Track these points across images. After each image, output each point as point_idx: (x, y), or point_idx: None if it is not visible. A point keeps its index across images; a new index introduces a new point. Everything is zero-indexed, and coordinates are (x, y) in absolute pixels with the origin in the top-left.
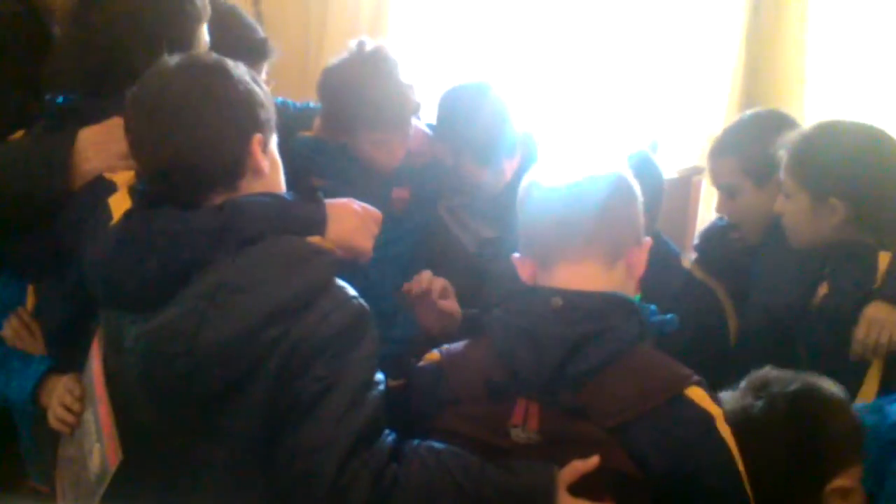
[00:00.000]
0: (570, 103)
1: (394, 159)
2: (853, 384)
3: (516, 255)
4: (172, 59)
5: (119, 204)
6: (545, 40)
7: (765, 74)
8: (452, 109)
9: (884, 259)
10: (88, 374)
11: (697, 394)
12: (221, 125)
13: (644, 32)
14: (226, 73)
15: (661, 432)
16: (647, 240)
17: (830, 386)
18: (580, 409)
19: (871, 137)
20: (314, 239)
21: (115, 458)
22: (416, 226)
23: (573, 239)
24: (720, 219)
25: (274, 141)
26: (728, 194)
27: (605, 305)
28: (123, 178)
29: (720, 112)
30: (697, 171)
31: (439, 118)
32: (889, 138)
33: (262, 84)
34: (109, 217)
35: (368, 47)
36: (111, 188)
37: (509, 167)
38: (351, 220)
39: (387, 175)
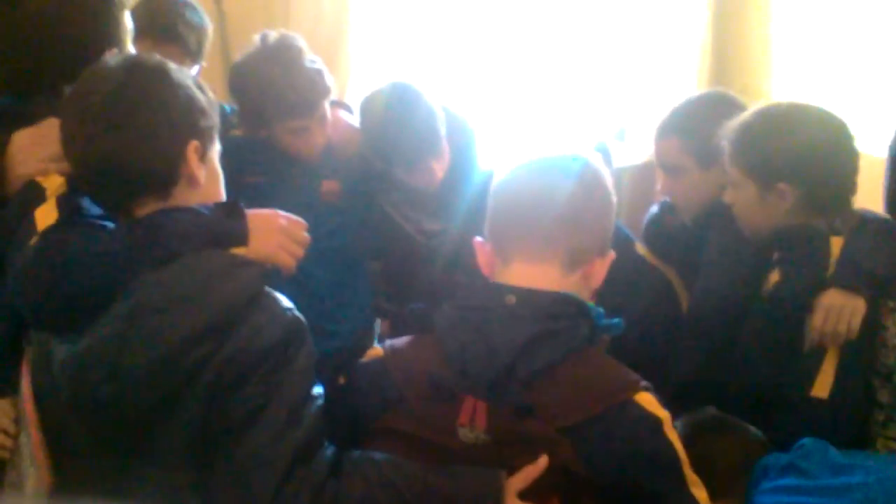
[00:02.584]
0: (536, 91)
1: (314, 147)
2: (807, 374)
3: (478, 238)
4: (113, 59)
5: (44, 217)
6: (510, 29)
7: (732, 60)
8: (379, 120)
9: (836, 244)
10: (22, 395)
11: (646, 399)
12: (155, 128)
13: (609, 20)
14: (165, 77)
15: (611, 435)
16: (611, 254)
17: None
18: (529, 409)
19: (813, 117)
20: (238, 250)
21: (47, 482)
22: (354, 220)
23: (534, 239)
24: (661, 203)
25: (215, 150)
26: (671, 174)
27: (556, 306)
28: (53, 184)
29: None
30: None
31: (363, 127)
32: (829, 116)
33: (207, 91)
34: (34, 231)
35: (271, 38)
36: (41, 196)
37: (439, 167)
38: (275, 235)
39: (313, 166)
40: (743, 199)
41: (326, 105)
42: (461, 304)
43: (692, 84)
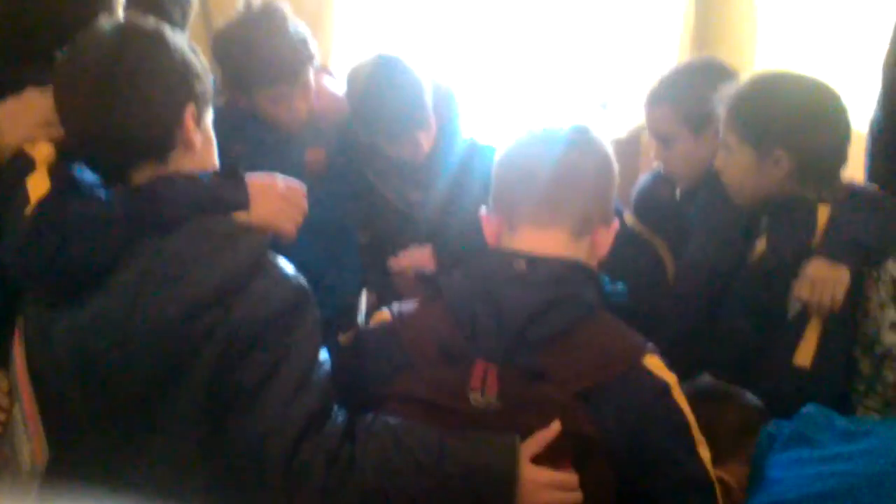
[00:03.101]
0: (519, 61)
1: (296, 115)
2: (790, 343)
3: (483, 210)
4: (108, 23)
5: (37, 185)
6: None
7: (715, 30)
8: (364, 91)
9: (823, 213)
10: (13, 368)
11: (654, 362)
12: (153, 93)
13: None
14: (162, 41)
15: (621, 400)
16: (615, 223)
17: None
18: (540, 373)
19: (809, 86)
20: (240, 215)
21: (40, 456)
22: (340, 190)
23: (540, 204)
24: (654, 173)
25: (209, 116)
26: (664, 143)
27: (567, 272)
28: (42, 153)
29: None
30: (642, 130)
31: (349, 98)
32: (825, 86)
33: (200, 55)
34: (27, 201)
35: (255, 5)
36: (31, 166)
37: (425, 139)
38: (275, 201)
39: (297, 134)
40: (737, 164)
41: (310, 73)
42: (470, 271)
43: (674, 55)
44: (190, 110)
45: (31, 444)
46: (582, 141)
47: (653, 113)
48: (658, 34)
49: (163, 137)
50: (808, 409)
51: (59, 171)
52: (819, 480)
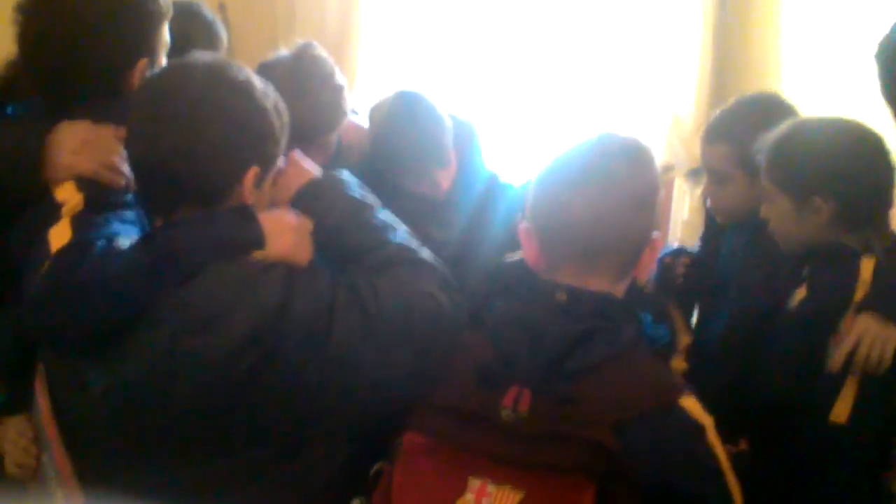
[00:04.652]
0: (540, 94)
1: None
2: (827, 398)
3: (524, 225)
4: (203, 57)
5: (58, 237)
6: (516, 33)
7: (736, 71)
8: (383, 128)
9: (867, 265)
10: (38, 414)
11: (691, 403)
12: (224, 146)
13: (610, 25)
14: (249, 94)
15: (654, 436)
16: (656, 236)
17: None
18: (573, 401)
19: (846, 130)
20: (258, 254)
21: (76, 501)
22: None
23: (582, 256)
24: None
25: (271, 176)
26: (717, 181)
27: (608, 307)
28: (70, 203)
29: (688, 107)
30: (668, 168)
31: (370, 135)
32: (863, 128)
33: (282, 114)
34: (48, 254)
35: (302, 54)
36: (55, 215)
37: (444, 177)
38: (288, 235)
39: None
40: (778, 213)
41: (331, 137)
42: (512, 301)
43: (690, 95)
44: (254, 171)
45: (63, 490)
46: (619, 169)
47: (709, 151)
48: (677, 71)
49: (218, 190)
50: None
51: (82, 224)
52: None
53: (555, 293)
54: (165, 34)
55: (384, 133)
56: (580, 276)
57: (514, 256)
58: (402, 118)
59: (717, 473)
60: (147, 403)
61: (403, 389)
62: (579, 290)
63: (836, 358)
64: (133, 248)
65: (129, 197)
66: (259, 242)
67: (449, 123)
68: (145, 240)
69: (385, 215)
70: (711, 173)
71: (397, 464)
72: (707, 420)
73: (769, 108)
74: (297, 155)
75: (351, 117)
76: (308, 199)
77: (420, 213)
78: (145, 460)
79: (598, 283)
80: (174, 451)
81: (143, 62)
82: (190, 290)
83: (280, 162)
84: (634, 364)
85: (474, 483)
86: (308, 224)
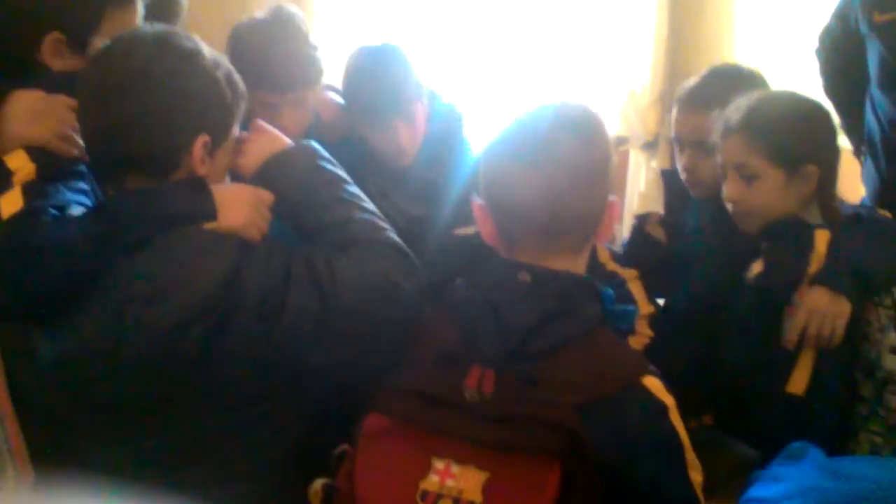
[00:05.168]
0: (494, 72)
1: (283, 130)
2: (784, 370)
3: (479, 202)
4: (151, 28)
5: (10, 205)
6: (470, 6)
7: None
8: (347, 76)
9: (821, 237)
10: None
11: (654, 383)
12: (168, 113)
13: (566, 6)
14: (196, 62)
15: (617, 418)
16: (613, 199)
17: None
18: (536, 382)
19: (808, 101)
20: (208, 226)
21: (26, 477)
22: None
23: (540, 239)
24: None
25: (227, 148)
26: (703, 152)
27: (571, 287)
28: (23, 171)
29: (644, 81)
30: (622, 141)
31: (342, 83)
32: (818, 101)
33: (236, 84)
34: None
35: (277, 12)
36: (7, 183)
37: (406, 132)
38: (242, 209)
39: None
40: (765, 190)
41: (306, 93)
42: (474, 280)
43: (646, 66)
44: (202, 140)
45: (14, 465)
46: (572, 143)
47: (696, 121)
48: (632, 40)
49: (166, 158)
50: (792, 447)
51: (34, 192)
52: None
53: (517, 274)
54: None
55: (348, 80)
56: (541, 254)
57: (467, 230)
58: (366, 65)
59: (679, 451)
60: (96, 374)
61: (360, 371)
62: (543, 271)
63: (789, 334)
64: (84, 217)
65: (82, 167)
66: (210, 214)
67: (414, 80)
68: (96, 209)
69: (354, 191)
70: (694, 144)
71: (360, 446)
72: (669, 400)
73: (744, 79)
74: (261, 123)
75: (330, 95)
76: (275, 169)
77: (399, 189)
78: (98, 433)
79: (561, 260)
80: (125, 423)
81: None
82: (139, 260)
83: (236, 132)
84: (598, 344)
85: (438, 464)
86: (265, 197)
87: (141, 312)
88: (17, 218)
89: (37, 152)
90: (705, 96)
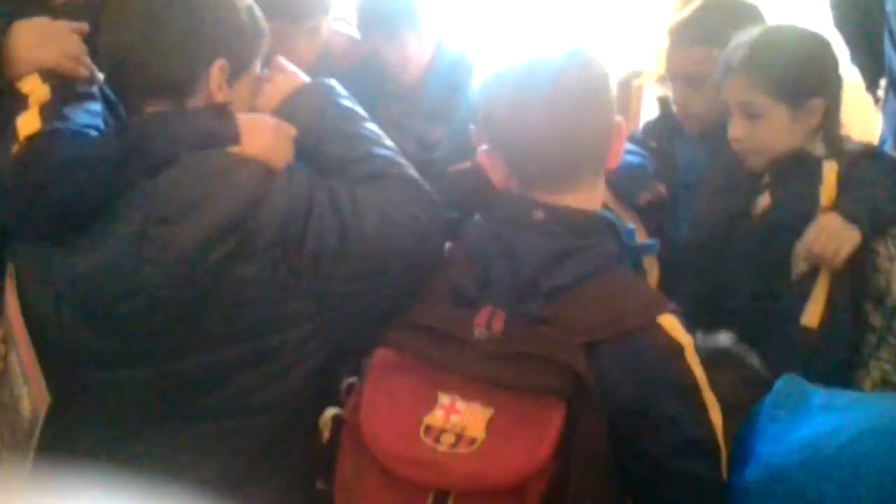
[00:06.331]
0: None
1: (298, 58)
2: (796, 303)
3: (483, 150)
4: None
5: (26, 125)
6: None
7: None
8: None
9: (829, 169)
10: (6, 313)
11: (670, 322)
12: (184, 34)
13: None
14: None
15: (630, 358)
16: (620, 121)
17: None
18: (548, 321)
19: (810, 33)
20: (233, 149)
21: (42, 402)
22: None
23: (554, 178)
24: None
25: (248, 80)
26: (693, 85)
27: (587, 224)
28: (37, 94)
29: (660, 12)
30: (636, 74)
31: None
32: (818, 33)
33: (258, 18)
34: (15, 140)
35: None
36: (24, 105)
37: (416, 44)
38: (266, 136)
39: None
40: (770, 127)
41: (321, 23)
42: (489, 216)
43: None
44: (219, 64)
45: (30, 390)
46: (574, 77)
47: (685, 54)
48: None
49: (183, 81)
50: (783, 384)
51: (51, 112)
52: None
53: (532, 211)
54: None
55: None
56: (556, 191)
57: (463, 166)
58: None
59: (694, 392)
60: (115, 294)
61: (377, 304)
62: (557, 208)
63: (798, 252)
64: (106, 135)
65: (95, 90)
66: (234, 138)
67: None
68: (119, 129)
69: (373, 128)
70: (687, 78)
71: (367, 379)
72: (686, 340)
73: (740, 12)
74: (281, 62)
75: (340, 27)
76: (295, 106)
77: (409, 114)
78: (111, 360)
79: (577, 196)
80: (140, 350)
81: None
82: (162, 181)
83: (257, 68)
84: (612, 283)
85: (444, 399)
86: (289, 129)
87: (163, 231)
88: (37, 135)
89: (48, 75)
90: (697, 29)
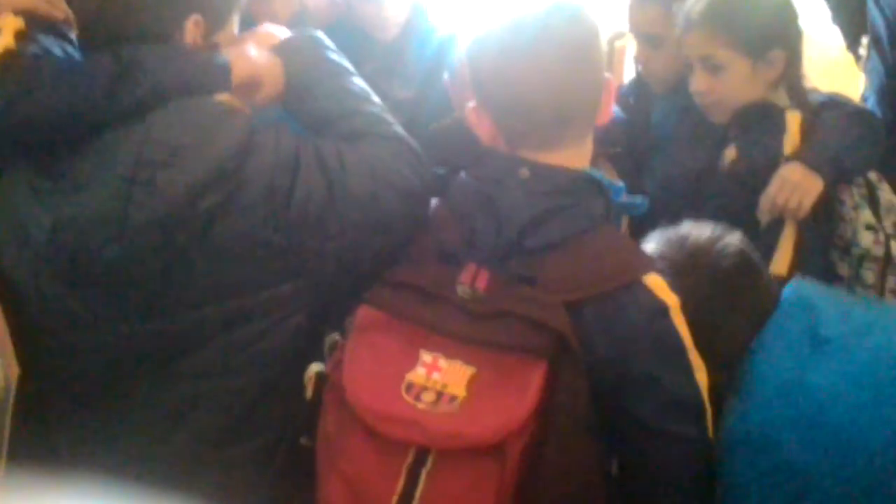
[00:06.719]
0: None
1: (274, 15)
2: (765, 253)
3: (470, 107)
4: None
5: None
6: None
7: None
8: None
9: (793, 119)
10: None
11: (656, 281)
12: None
13: None
14: None
15: (613, 317)
16: (609, 77)
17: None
18: (532, 280)
19: None
20: (222, 97)
21: (13, 373)
22: None
23: (542, 136)
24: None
25: (225, 37)
26: (651, 45)
27: (573, 183)
28: (12, 26)
29: None
30: (619, 35)
31: None
32: None
33: None
34: None
35: None
36: None
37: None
38: (254, 54)
39: None
40: (731, 80)
41: None
42: (475, 173)
43: None
44: (194, 19)
45: (4, 362)
46: (564, 31)
47: (640, 14)
48: None
49: (157, 37)
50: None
51: (26, 37)
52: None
53: (517, 169)
54: None
55: None
56: (545, 149)
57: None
58: None
59: (680, 352)
60: (100, 239)
61: (363, 262)
62: (543, 167)
63: (762, 205)
64: (96, 57)
65: (72, 35)
66: (225, 69)
67: None
68: (112, 55)
69: (362, 84)
70: (645, 37)
71: (350, 337)
72: (672, 300)
73: None
74: (265, 25)
75: None
76: (285, 58)
77: (381, 68)
78: (91, 319)
79: (564, 154)
80: (120, 307)
81: None
82: (154, 124)
83: (235, 24)
84: (598, 242)
85: (426, 357)
86: (268, 38)
87: (154, 175)
88: (18, 52)
89: (23, 14)
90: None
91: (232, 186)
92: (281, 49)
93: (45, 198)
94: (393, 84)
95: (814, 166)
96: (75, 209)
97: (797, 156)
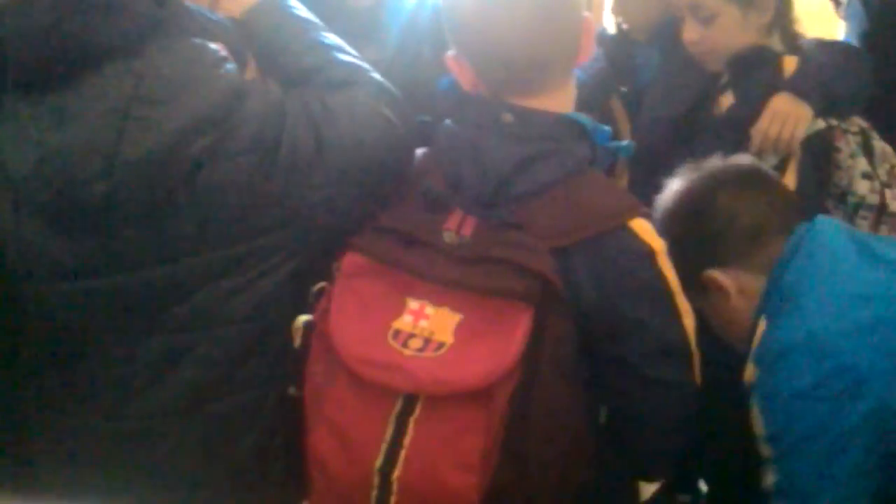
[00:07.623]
0: None
1: None
2: None
3: (450, 55)
4: None
5: None
6: None
7: None
8: None
9: (789, 62)
10: None
11: (641, 225)
12: None
13: None
14: None
15: (598, 262)
16: (587, 16)
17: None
18: (518, 225)
19: None
20: (217, 44)
21: None
22: None
23: (523, 83)
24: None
25: None
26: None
27: (557, 127)
28: None
29: None
30: None
31: None
32: None
33: None
34: None
35: None
36: None
37: None
38: None
39: None
40: (722, 27)
41: None
42: (458, 119)
43: None
44: None
45: None
46: None
47: None
48: None
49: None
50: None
51: None
52: None
53: (500, 114)
54: None
55: None
56: (526, 94)
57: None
58: None
59: (666, 296)
60: (90, 172)
61: (350, 211)
62: (526, 111)
63: (753, 138)
64: None
65: None
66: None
67: None
68: None
69: (333, 37)
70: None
71: (336, 284)
72: (657, 244)
73: None
74: None
75: None
76: (254, 20)
77: (356, 34)
78: (75, 267)
79: (547, 98)
80: (105, 254)
81: None
82: (146, 61)
83: None
84: (583, 187)
85: (413, 304)
86: None
87: (149, 112)
88: None
89: None
90: None
91: (222, 133)
92: (248, 13)
93: (32, 128)
94: (368, 50)
95: (802, 94)
96: (63, 140)
97: (786, 85)
